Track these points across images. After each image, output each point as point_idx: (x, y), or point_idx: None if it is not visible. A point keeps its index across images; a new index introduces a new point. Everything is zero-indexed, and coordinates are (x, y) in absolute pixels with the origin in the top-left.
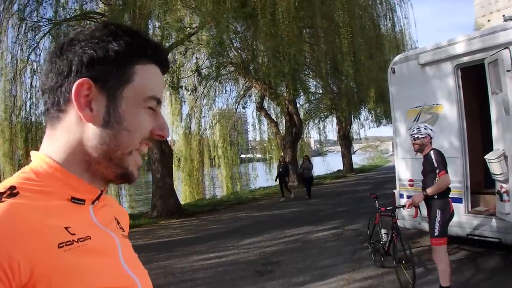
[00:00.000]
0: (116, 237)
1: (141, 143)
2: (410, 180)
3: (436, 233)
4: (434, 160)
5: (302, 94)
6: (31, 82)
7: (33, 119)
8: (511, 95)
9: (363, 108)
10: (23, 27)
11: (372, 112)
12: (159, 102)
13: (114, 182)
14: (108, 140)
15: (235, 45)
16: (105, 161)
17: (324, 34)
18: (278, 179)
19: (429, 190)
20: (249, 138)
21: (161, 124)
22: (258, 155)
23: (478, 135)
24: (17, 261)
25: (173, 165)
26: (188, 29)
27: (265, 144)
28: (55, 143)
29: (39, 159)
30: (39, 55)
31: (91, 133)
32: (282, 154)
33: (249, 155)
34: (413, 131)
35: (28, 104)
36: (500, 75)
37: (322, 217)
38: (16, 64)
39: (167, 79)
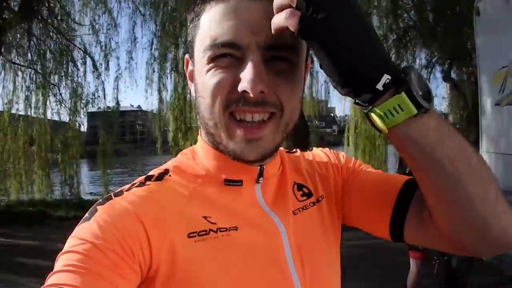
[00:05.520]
0: (280, 223)
1: (231, 108)
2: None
3: None
4: None
5: None
6: None
7: None
8: None
9: None
10: None
11: None
12: (229, 45)
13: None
14: (198, 111)
15: None
16: (209, 137)
17: None
18: None
19: None
20: None
21: (241, 77)
22: None
23: None
24: (144, 243)
25: None
26: None
27: None
28: None
29: (199, 137)
30: None
31: None
32: None
33: None
34: None
35: None
36: None
37: None
38: None
39: None
